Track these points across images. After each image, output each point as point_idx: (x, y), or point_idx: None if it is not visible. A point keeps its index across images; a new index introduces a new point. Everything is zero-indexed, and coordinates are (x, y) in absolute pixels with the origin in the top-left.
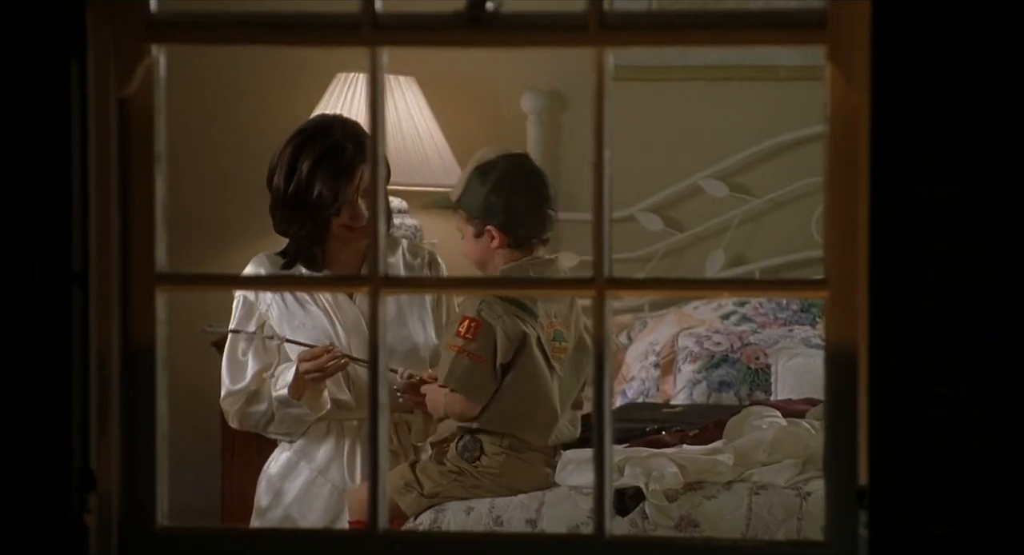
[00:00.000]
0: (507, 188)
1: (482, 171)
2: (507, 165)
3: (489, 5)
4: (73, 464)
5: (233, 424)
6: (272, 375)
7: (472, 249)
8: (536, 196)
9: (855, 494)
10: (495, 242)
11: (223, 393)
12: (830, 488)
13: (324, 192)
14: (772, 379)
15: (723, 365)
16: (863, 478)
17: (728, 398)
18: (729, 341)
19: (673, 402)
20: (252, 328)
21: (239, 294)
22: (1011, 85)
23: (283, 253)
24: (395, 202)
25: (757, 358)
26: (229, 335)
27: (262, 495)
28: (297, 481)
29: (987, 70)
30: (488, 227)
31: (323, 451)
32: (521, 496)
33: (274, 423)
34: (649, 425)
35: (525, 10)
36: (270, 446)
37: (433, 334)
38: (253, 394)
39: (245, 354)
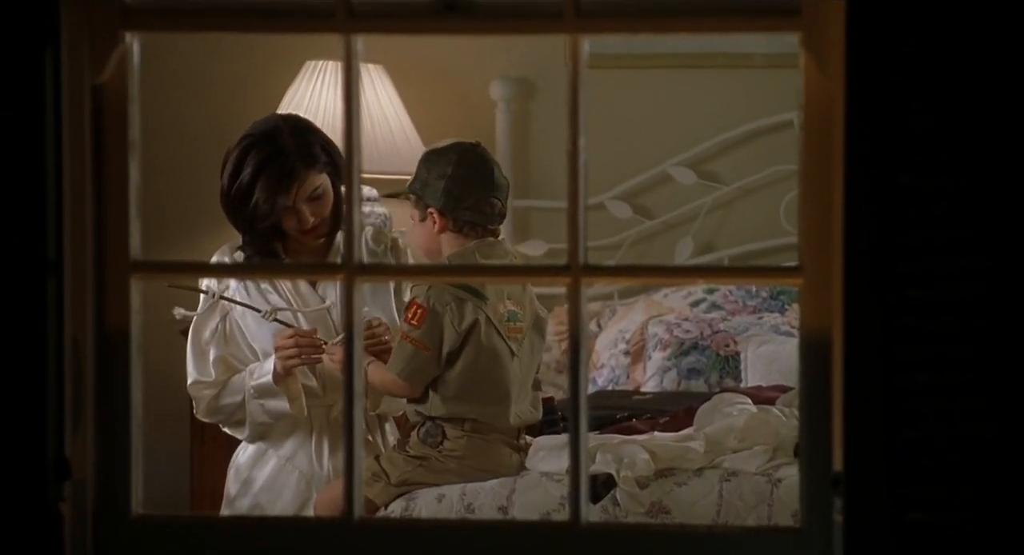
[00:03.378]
0: (448, 172)
1: (429, 157)
2: (453, 152)
3: None
4: (48, 453)
5: (200, 414)
6: (249, 372)
7: (418, 235)
8: (479, 183)
9: (830, 481)
10: (436, 226)
11: (190, 380)
12: (805, 474)
13: (261, 202)
14: (742, 366)
15: (693, 352)
16: (837, 464)
17: (698, 385)
18: (699, 328)
19: (643, 389)
20: (216, 319)
21: (204, 284)
22: (989, 72)
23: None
24: (365, 190)
25: (727, 345)
26: (193, 322)
27: (231, 484)
28: (265, 469)
29: (965, 57)
30: (429, 210)
31: (291, 439)
32: (492, 482)
33: (245, 416)
34: (620, 412)
35: None
36: None
37: (396, 318)
38: (224, 386)
39: (208, 343)
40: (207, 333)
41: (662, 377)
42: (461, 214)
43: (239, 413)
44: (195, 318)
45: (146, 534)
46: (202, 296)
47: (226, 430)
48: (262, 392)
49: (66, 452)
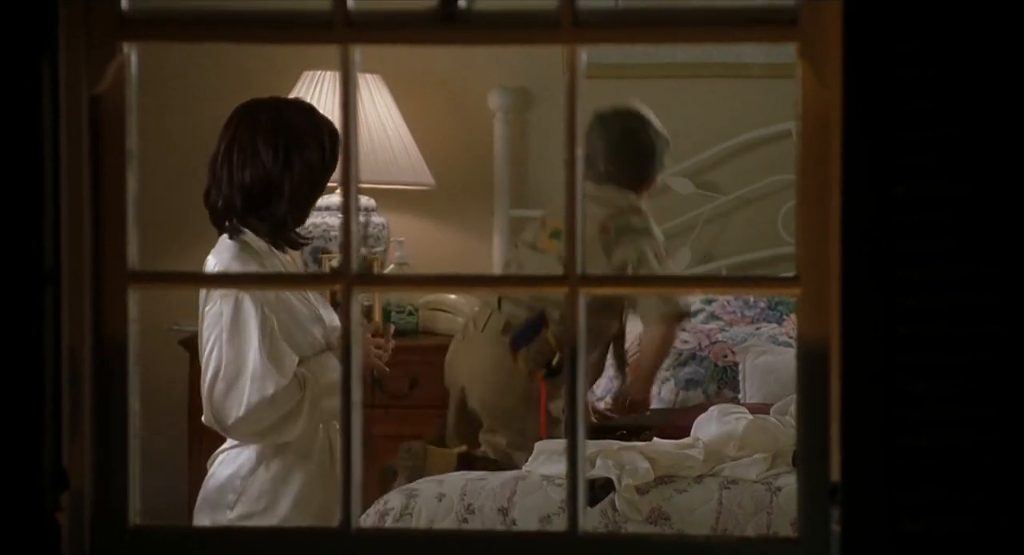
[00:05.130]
0: (616, 137)
1: (598, 120)
2: (619, 117)
3: (461, 3)
4: (46, 463)
5: (242, 431)
6: (312, 372)
7: None
8: None
9: (827, 491)
10: None
11: (270, 392)
12: (802, 484)
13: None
14: (740, 377)
15: (691, 363)
16: (835, 474)
17: (696, 396)
18: (697, 339)
19: None
20: (272, 320)
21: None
22: (986, 81)
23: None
24: (363, 200)
25: (725, 356)
26: (251, 330)
27: (234, 495)
28: (291, 485)
29: (962, 66)
30: None
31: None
32: (493, 484)
33: (292, 420)
34: (619, 431)
35: (497, 8)
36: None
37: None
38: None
39: (276, 344)
40: (268, 334)
41: (660, 388)
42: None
43: (294, 412)
44: (256, 326)
45: (144, 544)
46: (252, 308)
47: (252, 438)
48: (331, 391)
49: (63, 462)
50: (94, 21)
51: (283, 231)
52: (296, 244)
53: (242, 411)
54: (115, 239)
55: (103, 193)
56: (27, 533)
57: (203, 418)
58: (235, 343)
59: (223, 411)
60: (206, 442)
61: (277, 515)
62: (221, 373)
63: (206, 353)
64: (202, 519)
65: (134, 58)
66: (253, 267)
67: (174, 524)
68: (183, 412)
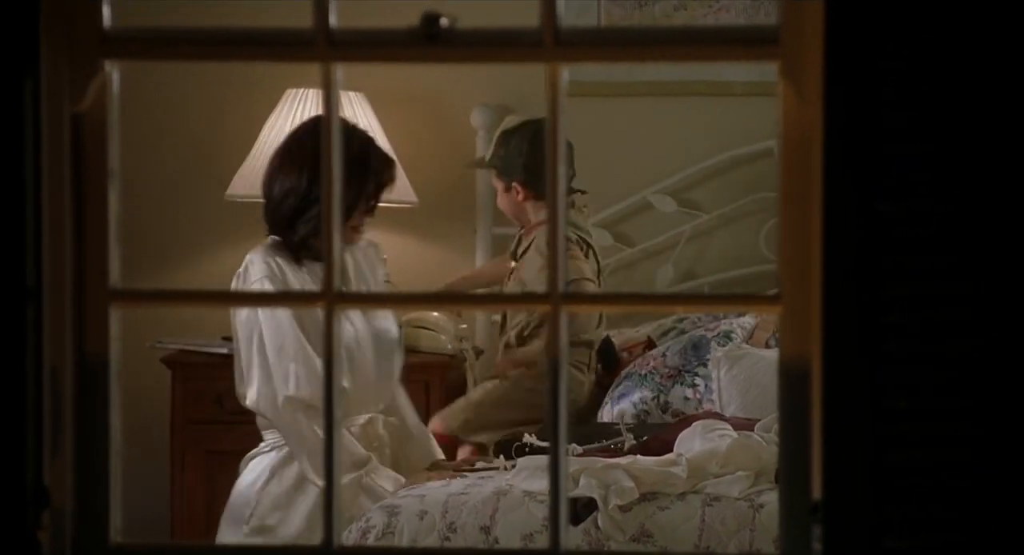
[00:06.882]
0: (525, 149)
1: (506, 136)
2: (527, 129)
3: (443, 21)
4: (27, 481)
5: (281, 414)
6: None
7: (504, 202)
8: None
9: (809, 508)
10: (520, 195)
11: (317, 364)
12: (783, 503)
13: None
14: (715, 395)
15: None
16: (817, 492)
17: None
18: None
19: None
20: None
21: (263, 277)
22: (969, 97)
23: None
24: None
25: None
26: (279, 333)
27: (252, 505)
28: (306, 496)
29: (944, 81)
30: (513, 183)
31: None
32: (475, 501)
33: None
34: (599, 440)
35: (480, 26)
36: (221, 463)
37: (393, 318)
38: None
39: (308, 348)
40: (302, 332)
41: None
42: (541, 184)
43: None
44: (288, 315)
45: None
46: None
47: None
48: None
49: (45, 480)
50: (76, 39)
51: (303, 250)
52: (319, 260)
53: (291, 387)
54: (97, 257)
55: (85, 211)
56: (8, 552)
57: (248, 401)
58: (273, 328)
59: (275, 388)
60: (188, 460)
61: (291, 528)
62: (282, 348)
63: (246, 338)
64: (224, 526)
65: (116, 76)
66: (278, 261)
67: (156, 542)
68: (165, 430)
